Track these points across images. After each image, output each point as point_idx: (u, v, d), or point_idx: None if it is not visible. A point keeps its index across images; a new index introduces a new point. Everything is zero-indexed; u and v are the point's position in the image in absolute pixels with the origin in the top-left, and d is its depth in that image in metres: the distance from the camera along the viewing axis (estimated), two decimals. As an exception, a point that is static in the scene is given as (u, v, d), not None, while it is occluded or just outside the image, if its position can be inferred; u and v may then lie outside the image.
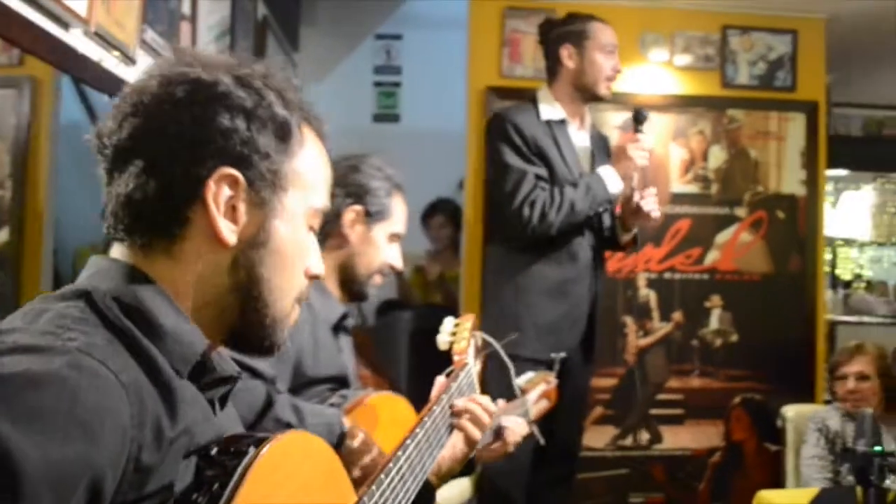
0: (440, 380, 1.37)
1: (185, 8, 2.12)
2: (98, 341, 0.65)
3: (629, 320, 3.40)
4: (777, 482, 3.06)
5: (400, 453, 1.06)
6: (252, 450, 0.71)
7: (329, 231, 1.50)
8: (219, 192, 0.73)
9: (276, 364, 1.30)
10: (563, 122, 2.51)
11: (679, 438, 3.44)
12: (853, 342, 2.90)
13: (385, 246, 1.53)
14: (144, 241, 0.74)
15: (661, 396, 3.43)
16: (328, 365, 1.41)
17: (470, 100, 3.40)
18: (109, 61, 1.57)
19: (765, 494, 2.32)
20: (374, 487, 0.95)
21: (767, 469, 3.42)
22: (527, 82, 3.36)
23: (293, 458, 0.78)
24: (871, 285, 5.27)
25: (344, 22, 4.12)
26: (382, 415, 1.37)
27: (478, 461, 1.53)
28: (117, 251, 0.76)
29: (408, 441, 1.10)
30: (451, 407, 1.28)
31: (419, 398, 1.40)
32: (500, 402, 1.55)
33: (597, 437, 3.32)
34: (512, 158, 2.41)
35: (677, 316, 3.44)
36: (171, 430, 0.68)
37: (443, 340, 1.44)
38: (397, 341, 3.49)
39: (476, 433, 1.31)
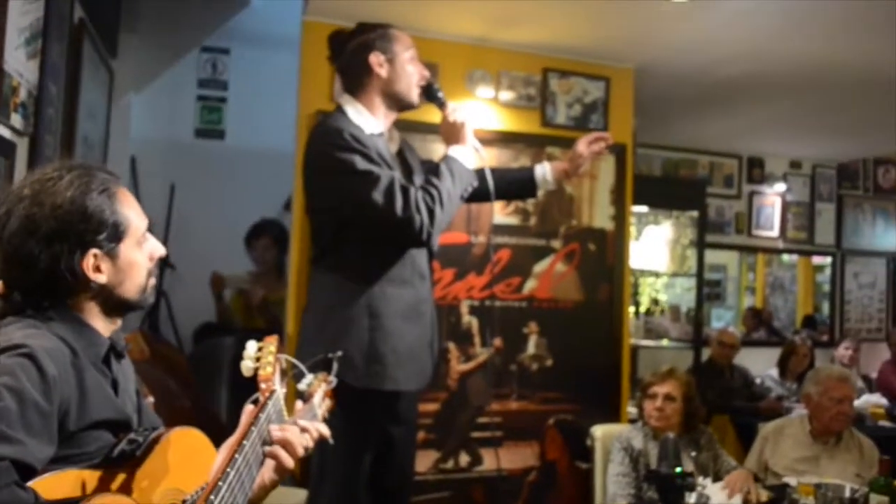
0: (248, 407, 1.32)
1: (-9, 8, 1.94)
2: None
3: (452, 346, 3.49)
4: (588, 499, 3.25)
5: (213, 497, 1.02)
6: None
7: (73, 285, 1.27)
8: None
9: (42, 427, 1.16)
10: (381, 135, 2.31)
11: (497, 460, 3.56)
12: (666, 367, 3.14)
13: (139, 256, 1.34)
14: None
15: (481, 419, 3.54)
16: (100, 409, 1.26)
17: (300, 123, 3.36)
18: None
19: (577, 511, 2.46)
20: None
21: (579, 487, 3.62)
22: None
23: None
24: (665, 310, 5.77)
25: (167, 31, 3.93)
26: (177, 453, 1.28)
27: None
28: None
29: (220, 483, 1.06)
30: (261, 439, 1.25)
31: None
32: (297, 405, 1.53)
33: (419, 461, 3.35)
34: (367, 165, 2.14)
35: (497, 342, 3.58)
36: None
37: (247, 367, 1.37)
38: (217, 368, 3.35)
39: (290, 462, 1.29)
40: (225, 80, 4.37)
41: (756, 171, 6.40)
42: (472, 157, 2.34)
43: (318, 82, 3.38)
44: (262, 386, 1.33)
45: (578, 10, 3.24)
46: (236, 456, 1.14)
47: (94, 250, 1.26)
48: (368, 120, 2.27)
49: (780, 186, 6.47)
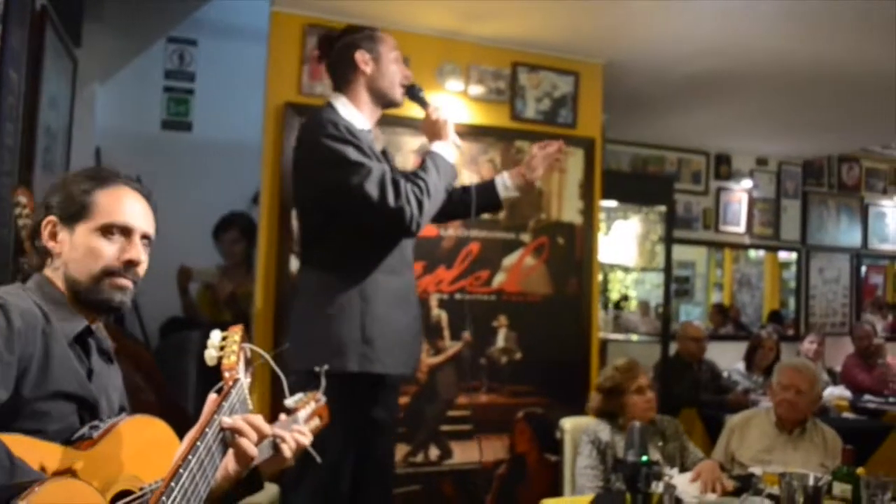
0: (212, 397, 1.31)
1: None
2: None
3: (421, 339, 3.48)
4: (557, 491, 3.26)
5: (173, 484, 1.01)
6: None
7: (39, 249, 1.41)
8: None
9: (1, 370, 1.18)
10: (370, 131, 2.41)
11: (467, 453, 3.58)
12: (622, 361, 3.14)
13: (98, 243, 1.38)
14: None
15: (451, 413, 3.55)
16: (62, 380, 1.28)
17: (267, 115, 3.33)
18: None
19: (547, 503, 2.47)
20: None
21: (548, 479, 3.64)
22: (326, 101, 3.36)
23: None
24: (635, 305, 5.83)
25: (133, 21, 3.86)
26: (136, 440, 1.28)
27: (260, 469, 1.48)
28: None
29: (180, 470, 1.05)
30: (221, 426, 1.24)
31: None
32: (282, 416, 1.54)
33: (388, 456, 3.36)
34: (361, 157, 2.22)
35: (467, 335, 3.58)
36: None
37: (210, 356, 1.36)
38: (184, 362, 3.31)
39: (252, 450, 1.27)
40: (192, 72, 4.31)
41: (723, 167, 6.48)
42: (453, 152, 2.45)
43: (287, 74, 3.36)
44: (226, 374, 1.31)
45: (548, 5, 3.25)
46: (198, 444, 1.12)
47: (53, 217, 1.40)
48: (356, 115, 2.37)
49: (747, 183, 6.56)
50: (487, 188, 2.65)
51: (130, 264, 1.41)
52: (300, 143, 2.38)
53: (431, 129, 2.47)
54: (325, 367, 1.77)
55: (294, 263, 3.29)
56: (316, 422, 1.59)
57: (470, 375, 3.59)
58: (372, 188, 2.19)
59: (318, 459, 1.55)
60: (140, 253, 1.42)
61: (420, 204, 2.25)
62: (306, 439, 1.51)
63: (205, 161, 4.16)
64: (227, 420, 1.25)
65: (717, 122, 5.39)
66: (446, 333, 3.54)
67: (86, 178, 1.43)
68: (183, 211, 3.94)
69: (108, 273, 1.38)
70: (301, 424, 1.53)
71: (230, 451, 1.26)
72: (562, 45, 3.75)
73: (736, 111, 5.07)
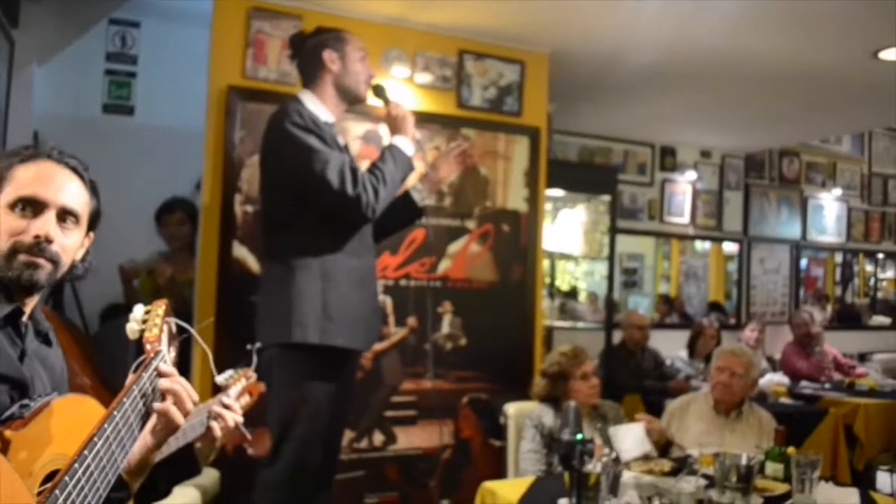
0: (131, 376, 1.29)
1: None
2: None
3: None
4: (501, 475, 3.29)
5: (86, 452, 1.00)
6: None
7: None
8: None
9: None
10: (334, 124, 2.60)
11: (412, 438, 3.59)
12: (566, 348, 3.19)
13: (7, 219, 1.31)
14: None
15: (396, 398, 3.56)
16: None
17: (210, 98, 3.29)
18: None
19: (488, 485, 2.50)
20: (56, 492, 0.90)
21: (492, 463, 3.68)
22: (271, 85, 3.34)
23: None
24: (585, 296, 5.91)
25: (74, 1, 3.77)
26: (68, 419, 1.26)
27: (197, 454, 1.48)
28: None
29: (95, 438, 1.03)
30: (143, 396, 1.22)
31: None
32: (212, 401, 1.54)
33: (333, 442, 3.36)
34: (323, 147, 2.42)
35: (412, 321, 3.59)
36: None
37: (132, 329, 1.33)
38: (123, 347, 3.25)
39: (178, 416, 1.26)
40: (134, 55, 4.21)
41: (668, 159, 6.60)
42: (411, 146, 2.66)
43: (230, 58, 3.32)
44: (147, 347, 1.30)
45: (493, -8, 3.27)
46: (114, 413, 1.11)
47: None
48: (322, 109, 2.55)
49: (691, 175, 6.70)
50: (408, 200, 2.81)
51: (40, 240, 1.31)
52: (267, 132, 2.53)
53: (392, 124, 2.66)
54: (258, 344, 1.81)
55: (238, 250, 3.26)
56: (246, 398, 1.59)
57: (414, 361, 3.61)
58: (332, 175, 2.37)
59: (248, 437, 1.56)
60: (50, 227, 1.31)
61: (376, 191, 2.44)
62: (240, 417, 1.51)
63: (147, 146, 4.08)
64: (164, 382, 1.24)
65: (662, 114, 5.49)
66: (391, 319, 3.54)
67: (7, 155, 1.36)
68: (125, 197, 3.87)
69: (18, 250, 1.30)
70: (233, 402, 1.53)
71: (150, 422, 1.25)
72: (508, 33, 3.78)
73: (680, 104, 5.17)
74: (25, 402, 1.27)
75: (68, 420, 1.26)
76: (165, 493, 1.46)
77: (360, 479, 3.47)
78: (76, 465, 0.95)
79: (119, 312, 3.59)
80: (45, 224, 1.31)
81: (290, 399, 2.42)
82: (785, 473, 2.59)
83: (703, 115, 5.54)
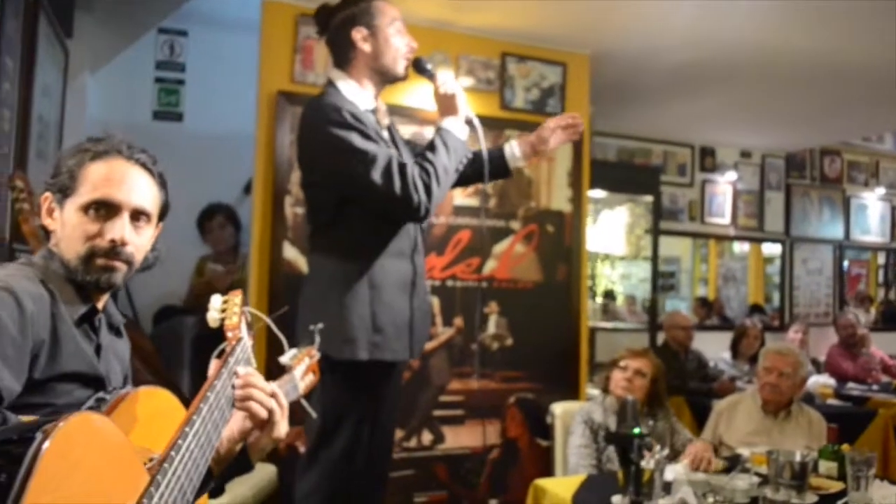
0: (214, 362, 1.30)
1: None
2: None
3: (414, 326, 3.51)
4: (548, 475, 3.30)
5: (181, 441, 1.01)
6: (39, 436, 0.76)
7: (45, 227, 1.38)
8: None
9: (16, 359, 1.18)
10: (375, 111, 2.29)
11: (460, 438, 3.61)
12: (641, 347, 3.22)
13: (82, 222, 1.32)
14: None
15: (443, 398, 3.58)
16: (71, 360, 1.28)
17: (260, 103, 3.36)
18: None
19: (539, 483, 2.50)
20: (158, 477, 0.92)
21: (540, 463, 3.69)
22: (319, 89, 3.37)
23: (80, 442, 0.83)
24: (622, 300, 5.88)
25: (124, 12, 3.87)
26: (143, 411, 1.28)
27: (249, 449, 1.48)
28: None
29: (186, 429, 1.04)
30: (232, 385, 1.23)
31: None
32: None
33: (381, 441, 3.39)
34: (366, 144, 2.12)
35: (458, 321, 3.62)
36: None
37: (213, 318, 1.35)
38: (179, 346, 3.33)
39: (261, 412, 1.27)
40: (182, 63, 4.32)
41: (708, 159, 6.55)
42: (464, 128, 2.33)
43: (279, 63, 3.39)
44: (229, 335, 1.32)
45: (537, -6, 3.30)
46: (201, 405, 1.11)
47: (48, 194, 1.36)
48: (359, 95, 2.25)
49: (731, 175, 6.64)
50: (498, 156, 2.54)
51: (116, 244, 1.32)
52: (303, 130, 2.27)
53: (441, 104, 2.33)
54: (320, 325, 1.71)
55: (289, 251, 3.31)
56: (311, 378, 1.59)
57: (461, 361, 3.63)
58: (377, 176, 2.10)
59: (314, 415, 1.53)
60: (125, 232, 1.33)
61: (428, 189, 2.16)
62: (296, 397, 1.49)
63: (196, 151, 4.17)
64: (238, 392, 1.24)
65: (701, 114, 5.46)
66: (438, 320, 3.57)
67: (77, 151, 1.35)
68: (174, 201, 3.97)
69: (95, 254, 1.31)
70: (299, 382, 1.54)
71: (237, 412, 1.28)
72: (549, 35, 3.80)
73: (719, 104, 5.14)
74: (101, 395, 1.29)
75: (145, 412, 1.26)
76: (218, 490, 1.42)
77: (409, 478, 3.50)
78: (173, 454, 0.97)
79: (173, 314, 3.68)
80: (120, 228, 1.32)
81: (331, 411, 2.20)
82: (839, 471, 2.57)
83: (742, 114, 5.49)
